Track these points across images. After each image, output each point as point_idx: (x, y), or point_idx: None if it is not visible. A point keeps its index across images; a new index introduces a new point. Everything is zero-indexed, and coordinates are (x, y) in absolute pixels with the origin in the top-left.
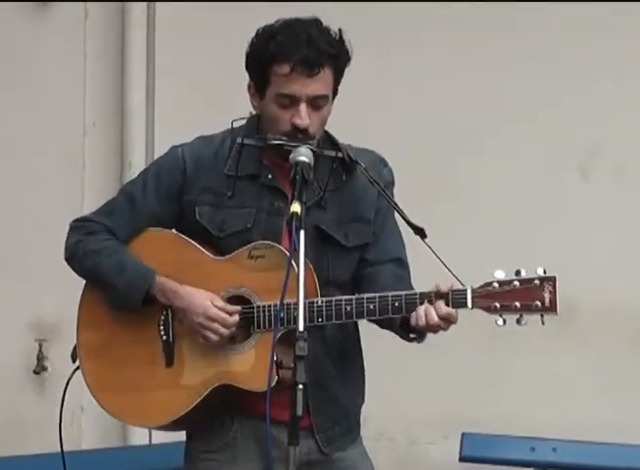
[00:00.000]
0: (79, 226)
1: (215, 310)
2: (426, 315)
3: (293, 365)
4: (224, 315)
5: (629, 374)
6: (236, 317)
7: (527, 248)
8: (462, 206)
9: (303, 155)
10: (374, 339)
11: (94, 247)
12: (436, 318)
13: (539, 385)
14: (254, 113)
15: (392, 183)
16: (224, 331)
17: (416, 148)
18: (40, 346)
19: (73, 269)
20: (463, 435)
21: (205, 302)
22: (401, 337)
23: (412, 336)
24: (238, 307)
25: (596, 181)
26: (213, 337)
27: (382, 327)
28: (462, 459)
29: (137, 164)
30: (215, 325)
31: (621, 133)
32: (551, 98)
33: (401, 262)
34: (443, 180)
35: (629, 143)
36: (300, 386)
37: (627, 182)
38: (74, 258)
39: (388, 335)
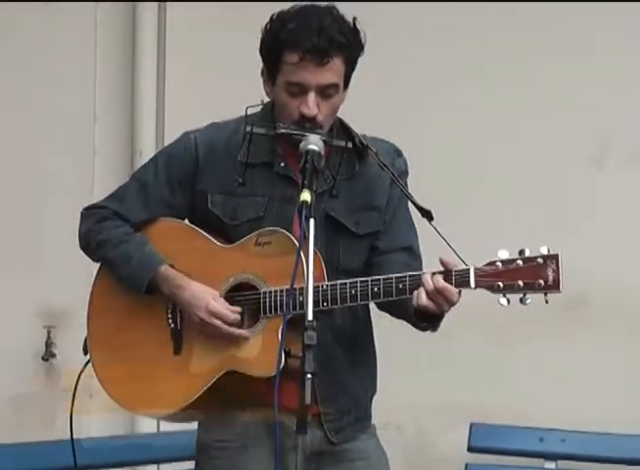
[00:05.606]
0: (90, 214)
1: (216, 305)
2: (424, 291)
3: (301, 354)
4: (226, 311)
5: (639, 364)
6: (237, 316)
7: (537, 236)
8: (472, 193)
9: (314, 143)
10: (382, 328)
11: (104, 236)
12: (432, 287)
13: (548, 376)
14: (267, 99)
15: (406, 173)
16: (225, 328)
17: (425, 134)
18: (49, 333)
19: (89, 258)
20: (471, 425)
21: (207, 297)
22: (414, 325)
23: (424, 324)
24: (238, 308)
25: (608, 169)
26: (216, 332)
27: (395, 316)
28: (470, 449)
29: (147, 153)
30: (217, 321)
31: (634, 120)
32: (564, 84)
33: (412, 252)
34: (454, 167)
35: None
36: (309, 375)
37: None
38: (87, 248)
39: (396, 324)
